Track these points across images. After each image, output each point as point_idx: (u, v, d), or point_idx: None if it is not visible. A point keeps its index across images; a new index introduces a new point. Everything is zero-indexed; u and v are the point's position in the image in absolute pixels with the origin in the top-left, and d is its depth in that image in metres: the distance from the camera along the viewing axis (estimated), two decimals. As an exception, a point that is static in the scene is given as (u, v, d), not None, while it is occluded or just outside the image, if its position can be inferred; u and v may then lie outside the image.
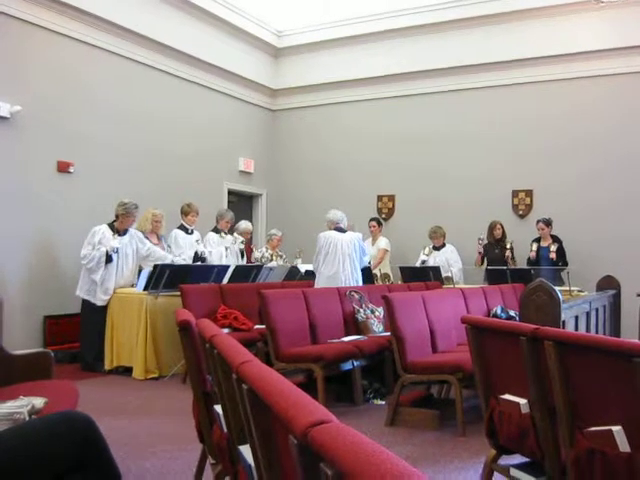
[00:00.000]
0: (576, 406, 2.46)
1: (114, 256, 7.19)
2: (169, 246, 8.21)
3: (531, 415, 2.74)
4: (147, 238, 7.86)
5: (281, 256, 9.63)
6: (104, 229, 7.24)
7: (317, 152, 11.77)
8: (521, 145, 10.09)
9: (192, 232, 8.53)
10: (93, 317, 7.17)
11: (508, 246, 9.31)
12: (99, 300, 7.16)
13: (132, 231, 7.48)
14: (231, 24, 10.78)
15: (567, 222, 9.29)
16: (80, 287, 7.26)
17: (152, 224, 7.91)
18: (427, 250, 9.65)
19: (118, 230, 7.31)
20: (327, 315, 6.13)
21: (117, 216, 7.35)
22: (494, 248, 9.47)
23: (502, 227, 9.55)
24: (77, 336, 7.47)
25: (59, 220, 7.91)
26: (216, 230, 8.91)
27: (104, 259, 7.13)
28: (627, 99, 9.42)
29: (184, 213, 8.51)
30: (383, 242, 10.07)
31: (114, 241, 7.21)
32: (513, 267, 8.98)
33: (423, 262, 9.58)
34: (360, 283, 7.56)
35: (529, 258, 9.10)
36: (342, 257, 7.29)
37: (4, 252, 7.41)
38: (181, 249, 8.28)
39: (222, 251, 8.70)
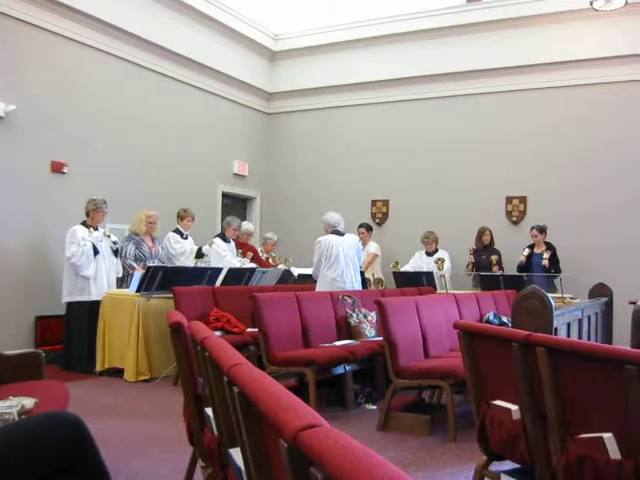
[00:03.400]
0: (567, 413, 2.46)
1: (99, 248, 7.20)
2: (162, 248, 8.21)
3: (522, 421, 2.73)
4: (142, 240, 7.85)
5: (274, 258, 9.61)
6: (80, 227, 7.26)
7: (312, 156, 11.77)
8: (516, 152, 10.12)
9: (187, 237, 8.53)
10: (83, 318, 7.16)
11: (494, 258, 9.28)
12: (94, 295, 7.17)
13: (102, 229, 7.52)
14: (227, 27, 10.79)
15: (560, 229, 9.32)
16: (68, 291, 7.25)
17: (146, 225, 7.91)
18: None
19: (91, 226, 7.33)
20: (320, 319, 6.12)
21: (87, 213, 7.39)
22: (482, 254, 9.48)
23: (491, 233, 9.57)
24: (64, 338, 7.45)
25: (52, 220, 7.89)
26: (223, 238, 8.89)
27: (92, 252, 7.13)
28: (623, 108, 9.46)
29: (180, 217, 8.53)
30: (373, 247, 10.07)
31: (96, 233, 7.28)
32: (505, 274, 8.99)
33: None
34: (360, 286, 7.59)
35: (519, 264, 9.09)
36: (345, 260, 7.27)
37: (-4, 252, 7.40)
38: (176, 251, 8.30)
39: (230, 257, 8.72)
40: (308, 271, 8.30)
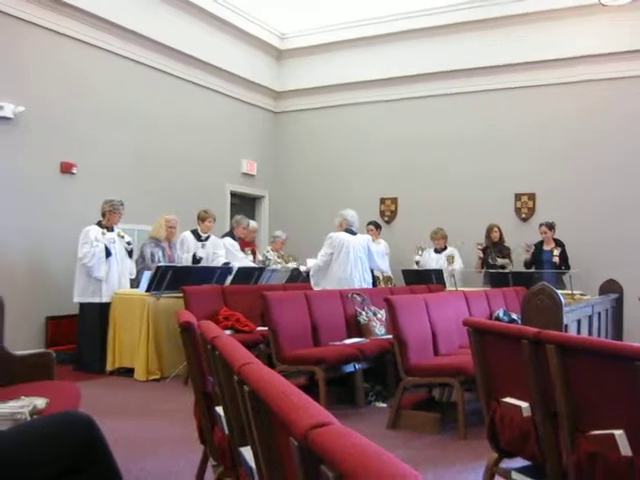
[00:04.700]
0: (578, 410, 2.45)
1: (112, 249, 7.21)
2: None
3: (533, 418, 2.73)
4: (161, 246, 7.81)
5: (284, 257, 9.60)
6: (94, 228, 7.27)
7: (320, 154, 11.77)
8: (524, 148, 10.09)
9: (206, 239, 8.47)
10: (95, 319, 7.18)
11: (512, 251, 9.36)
12: (105, 297, 7.18)
13: (117, 229, 7.50)
14: (234, 26, 10.80)
15: (570, 226, 9.28)
16: (80, 292, 7.26)
17: (166, 230, 7.86)
18: (420, 251, 9.66)
19: (106, 227, 7.34)
20: (329, 317, 6.12)
21: (104, 214, 7.39)
22: (491, 251, 9.46)
23: (499, 230, 9.53)
24: (77, 338, 7.47)
25: (62, 221, 7.92)
26: (232, 236, 8.88)
27: (104, 254, 7.15)
28: (630, 102, 9.41)
29: (201, 219, 8.46)
30: (382, 245, 10.05)
31: (109, 234, 7.28)
32: (515, 270, 8.96)
33: (417, 262, 9.59)
34: (370, 285, 7.59)
35: (525, 260, 9.08)
36: (354, 260, 7.29)
37: (7, 252, 7.43)
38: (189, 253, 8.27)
39: (242, 256, 8.71)
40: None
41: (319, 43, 11.59)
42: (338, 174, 11.53)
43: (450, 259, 9.03)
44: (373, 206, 11.20)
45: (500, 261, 9.28)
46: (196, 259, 8.22)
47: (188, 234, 8.41)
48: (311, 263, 7.81)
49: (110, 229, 7.38)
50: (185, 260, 8.18)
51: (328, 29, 11.41)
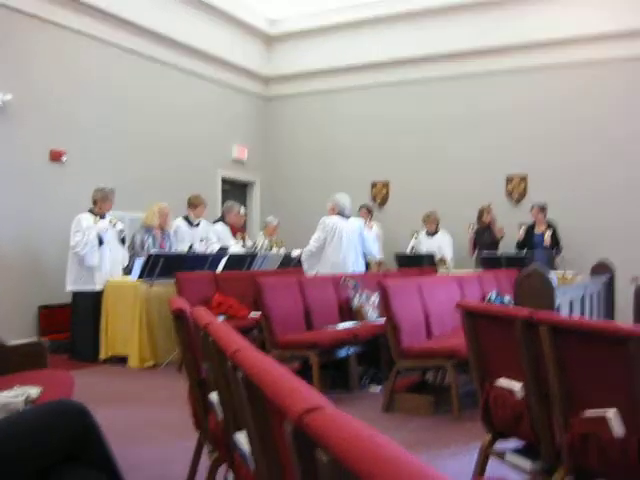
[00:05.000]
0: (571, 390, 2.46)
1: (104, 237, 7.19)
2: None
3: (526, 400, 2.74)
4: (154, 234, 7.77)
5: (275, 242, 9.59)
6: (86, 216, 7.23)
7: (311, 139, 11.75)
8: (516, 131, 10.09)
9: (198, 225, 8.46)
10: (88, 307, 7.16)
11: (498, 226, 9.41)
12: (98, 285, 7.15)
13: (109, 217, 7.46)
14: (224, 11, 10.73)
15: (561, 208, 9.30)
16: (72, 280, 7.24)
17: (159, 218, 7.83)
18: (416, 235, 9.68)
19: (98, 215, 7.31)
20: (322, 302, 6.13)
21: (95, 202, 7.35)
22: (484, 233, 9.47)
23: (491, 212, 9.55)
24: (70, 326, 7.45)
25: (53, 209, 7.89)
26: (224, 223, 8.86)
27: (97, 242, 7.12)
28: (624, 85, 9.41)
29: (193, 205, 8.42)
30: (374, 228, 10.03)
31: (101, 223, 7.24)
32: (507, 253, 8.98)
33: (413, 247, 9.60)
34: (363, 270, 7.59)
35: (518, 240, 9.10)
36: (347, 244, 7.28)
37: (-3, 242, 7.40)
38: (183, 242, 8.23)
39: (233, 242, 8.69)
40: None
41: (309, 28, 11.54)
42: (329, 159, 11.51)
43: (442, 263, 9.04)
44: (365, 190, 11.19)
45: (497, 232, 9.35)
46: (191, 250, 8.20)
47: (180, 222, 8.37)
48: (298, 252, 7.81)
49: (102, 217, 7.35)
50: (180, 250, 8.15)
51: (318, 14, 11.34)
